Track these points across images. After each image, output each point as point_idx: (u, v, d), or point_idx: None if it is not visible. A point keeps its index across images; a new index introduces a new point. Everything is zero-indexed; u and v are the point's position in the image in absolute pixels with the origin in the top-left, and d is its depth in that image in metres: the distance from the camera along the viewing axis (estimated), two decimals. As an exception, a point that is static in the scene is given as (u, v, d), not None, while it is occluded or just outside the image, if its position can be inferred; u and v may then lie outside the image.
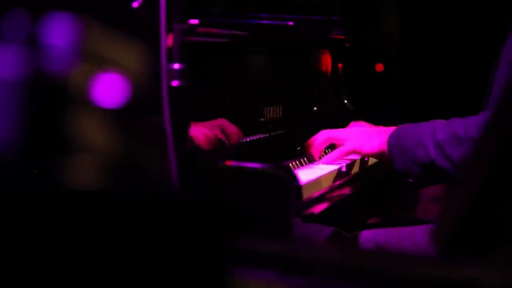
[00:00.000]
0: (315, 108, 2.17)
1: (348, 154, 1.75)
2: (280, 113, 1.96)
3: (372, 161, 1.95)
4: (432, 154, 1.58)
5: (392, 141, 1.66)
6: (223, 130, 1.65)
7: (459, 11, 2.98)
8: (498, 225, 0.81)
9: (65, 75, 1.14)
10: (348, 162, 1.80)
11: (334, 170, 1.73)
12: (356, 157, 1.87)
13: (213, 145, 1.62)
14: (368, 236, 1.66)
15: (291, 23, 1.97)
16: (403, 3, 3.18)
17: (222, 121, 1.67)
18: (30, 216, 1.12)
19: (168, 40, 1.24)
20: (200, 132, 1.57)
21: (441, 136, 1.58)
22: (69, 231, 1.10)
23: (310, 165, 1.79)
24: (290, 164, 1.72)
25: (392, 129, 1.69)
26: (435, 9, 3.04)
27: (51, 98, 1.15)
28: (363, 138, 1.72)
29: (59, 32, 1.14)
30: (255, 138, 1.83)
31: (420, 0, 3.10)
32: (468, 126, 1.55)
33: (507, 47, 1.65)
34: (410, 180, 1.78)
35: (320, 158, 1.84)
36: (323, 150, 1.86)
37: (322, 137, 1.80)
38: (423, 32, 3.09)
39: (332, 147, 1.87)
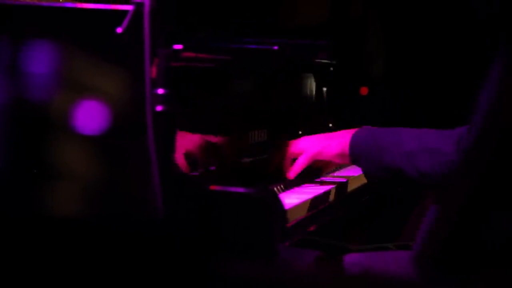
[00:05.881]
0: (300, 132, 2.17)
1: (309, 162, 1.76)
2: (265, 136, 1.96)
3: (356, 184, 1.95)
4: (399, 163, 1.60)
5: (355, 144, 1.68)
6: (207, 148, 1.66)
7: (444, 34, 3.00)
8: (479, 249, 0.82)
9: (47, 102, 1.14)
10: (332, 186, 1.80)
11: (319, 194, 1.73)
12: (343, 180, 1.87)
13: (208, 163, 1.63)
14: (353, 260, 1.65)
15: (275, 47, 1.97)
16: (388, 27, 3.20)
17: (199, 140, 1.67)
18: (11, 241, 1.11)
19: (152, 66, 1.24)
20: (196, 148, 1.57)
21: (410, 146, 1.59)
22: (51, 257, 1.10)
23: (296, 189, 1.79)
24: (275, 188, 1.72)
25: (351, 131, 1.71)
26: (420, 32, 3.06)
27: (32, 125, 1.14)
28: (320, 144, 1.74)
29: (40, 60, 1.15)
30: (240, 161, 1.83)
31: (405, 23, 3.13)
32: (437, 138, 1.57)
33: (493, 71, 1.67)
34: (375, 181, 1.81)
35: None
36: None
37: (282, 157, 1.81)
38: (407, 55, 3.11)
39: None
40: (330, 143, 1.74)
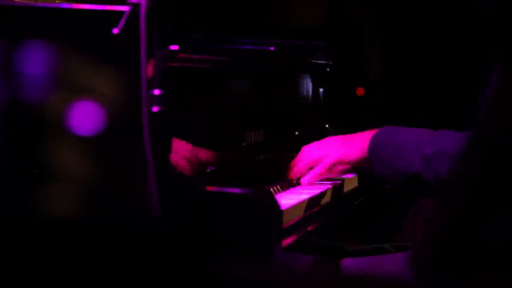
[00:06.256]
0: (296, 133, 2.17)
1: (328, 171, 1.75)
2: (262, 137, 1.96)
3: (352, 185, 1.95)
4: (418, 167, 1.59)
5: (373, 147, 1.67)
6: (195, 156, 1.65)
7: (441, 35, 3.01)
8: (477, 249, 0.82)
9: (42, 103, 1.13)
10: (328, 187, 1.80)
11: (315, 195, 1.73)
12: (339, 181, 1.87)
13: (194, 169, 1.62)
14: (350, 263, 1.65)
15: (272, 48, 1.97)
16: (384, 28, 3.20)
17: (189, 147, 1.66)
18: (7, 242, 1.11)
19: (148, 66, 1.24)
20: (180, 157, 1.57)
21: (429, 150, 1.58)
22: (47, 258, 1.09)
23: (292, 190, 1.79)
24: (271, 189, 1.72)
25: (371, 133, 1.70)
26: (417, 33, 3.07)
27: (27, 126, 1.14)
28: (340, 151, 1.73)
29: (36, 60, 1.14)
30: (236, 163, 1.83)
31: (402, 24, 3.13)
32: (453, 141, 1.56)
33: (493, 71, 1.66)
34: (388, 186, 1.80)
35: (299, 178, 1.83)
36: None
37: (304, 162, 1.80)
38: (404, 56, 3.11)
39: None
40: (350, 149, 1.73)
